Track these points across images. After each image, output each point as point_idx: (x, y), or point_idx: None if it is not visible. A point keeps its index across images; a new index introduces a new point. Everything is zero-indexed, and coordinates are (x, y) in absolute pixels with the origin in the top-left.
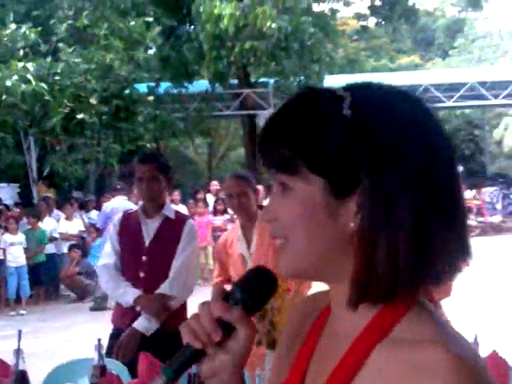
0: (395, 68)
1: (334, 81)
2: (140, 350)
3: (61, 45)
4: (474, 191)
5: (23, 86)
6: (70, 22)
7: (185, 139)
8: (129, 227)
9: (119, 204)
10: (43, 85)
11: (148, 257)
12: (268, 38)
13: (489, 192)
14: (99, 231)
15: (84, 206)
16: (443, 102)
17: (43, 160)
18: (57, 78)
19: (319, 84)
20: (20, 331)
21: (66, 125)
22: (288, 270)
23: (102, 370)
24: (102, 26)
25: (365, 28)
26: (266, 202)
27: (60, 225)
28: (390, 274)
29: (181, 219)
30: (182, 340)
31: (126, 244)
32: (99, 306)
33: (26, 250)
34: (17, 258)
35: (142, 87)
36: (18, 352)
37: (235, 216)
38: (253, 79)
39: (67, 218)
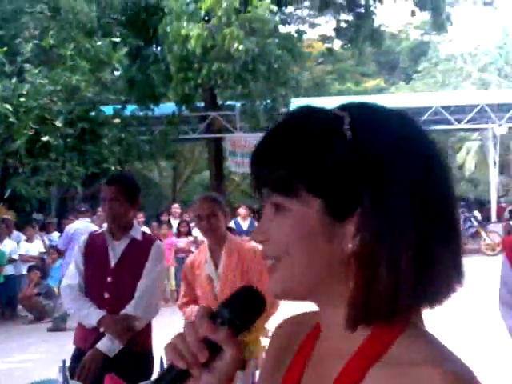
0: (360, 91)
1: (300, 104)
2: (103, 371)
3: (26, 65)
4: None
5: None
6: (35, 41)
7: (150, 162)
8: (94, 248)
9: (82, 226)
10: (8, 106)
11: (113, 278)
12: (235, 60)
13: None
14: (60, 252)
15: (45, 228)
16: None
17: (5, 182)
18: (22, 99)
19: (286, 107)
20: None
21: (31, 147)
22: (279, 290)
23: None
24: (68, 46)
25: (330, 50)
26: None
27: (20, 246)
28: (391, 295)
29: (148, 241)
30: (149, 360)
31: (90, 265)
32: (57, 326)
33: None
34: None
35: (108, 109)
36: None
37: (200, 238)
38: (219, 102)
39: (28, 240)
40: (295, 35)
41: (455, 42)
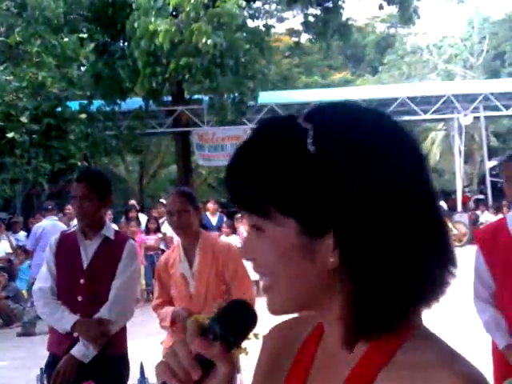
0: (327, 84)
1: (268, 97)
2: (78, 377)
3: None
4: None
5: None
6: (1, 38)
7: (116, 157)
8: (66, 248)
9: (50, 225)
10: None
11: (86, 280)
12: (203, 55)
13: None
14: (27, 253)
15: (11, 227)
16: None
17: None
18: None
19: (253, 101)
20: None
21: None
22: (275, 308)
23: None
24: (34, 42)
25: (298, 44)
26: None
27: None
28: (381, 307)
29: (121, 240)
30: (125, 364)
31: (62, 266)
32: (27, 331)
33: None
34: None
35: (74, 105)
36: None
37: (168, 235)
38: (187, 96)
39: None
40: (263, 29)
41: (421, 35)
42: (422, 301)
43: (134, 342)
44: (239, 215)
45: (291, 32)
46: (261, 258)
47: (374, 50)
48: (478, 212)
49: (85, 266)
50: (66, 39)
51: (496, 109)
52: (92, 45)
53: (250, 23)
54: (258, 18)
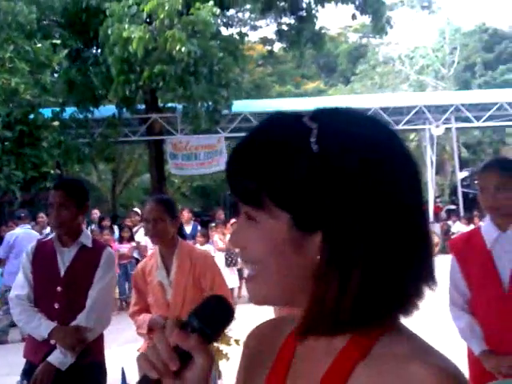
0: (300, 93)
1: (242, 106)
2: None
3: None
4: None
5: None
6: None
7: (88, 165)
8: (43, 256)
9: (24, 233)
10: None
11: (63, 287)
12: (177, 62)
13: None
14: (1, 261)
15: None
16: None
17: None
18: None
19: (227, 109)
20: None
21: None
22: (258, 298)
23: None
24: (7, 48)
25: (271, 53)
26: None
27: None
28: (362, 304)
29: (98, 247)
30: (102, 371)
31: (39, 274)
32: (0, 339)
33: None
34: None
35: (47, 112)
36: None
37: (142, 243)
38: (161, 104)
39: None
40: (237, 38)
41: (393, 45)
42: (402, 300)
43: (111, 350)
44: (213, 224)
45: (264, 41)
46: (251, 247)
47: (346, 59)
48: (450, 222)
49: (62, 273)
50: (39, 45)
51: (467, 120)
52: (65, 51)
53: (224, 31)
54: (231, 26)
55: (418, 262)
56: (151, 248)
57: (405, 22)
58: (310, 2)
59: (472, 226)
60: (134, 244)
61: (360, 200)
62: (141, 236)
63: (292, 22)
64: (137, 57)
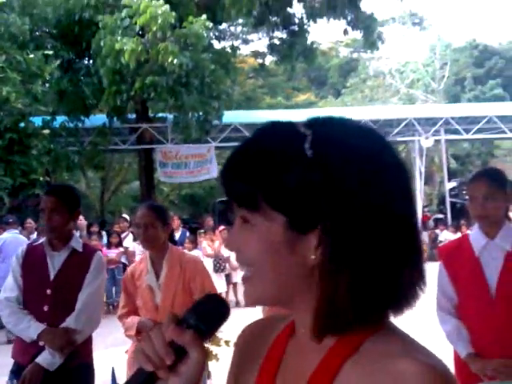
0: (291, 105)
1: (232, 116)
2: None
3: None
4: None
5: None
6: None
7: (77, 173)
8: (33, 260)
9: (12, 237)
10: None
11: (52, 290)
12: (169, 74)
13: None
14: None
15: None
16: None
17: None
18: None
19: (218, 120)
20: None
21: None
22: (252, 299)
23: None
24: None
25: (262, 66)
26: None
27: None
28: (351, 307)
29: (89, 252)
30: (90, 372)
31: (29, 277)
32: None
33: None
34: None
35: (38, 120)
36: None
37: (130, 249)
38: (151, 114)
39: None
40: (229, 51)
41: (384, 60)
42: (395, 299)
43: (99, 352)
44: (202, 231)
45: (256, 54)
46: (246, 249)
47: (337, 73)
48: (438, 231)
49: (51, 276)
50: (31, 55)
51: (456, 132)
52: (57, 62)
53: (216, 44)
54: (224, 40)
55: (411, 263)
56: (139, 253)
57: (396, 38)
58: (302, 17)
59: (459, 235)
60: (122, 249)
61: (354, 204)
62: (129, 242)
63: (284, 36)
64: (129, 68)
